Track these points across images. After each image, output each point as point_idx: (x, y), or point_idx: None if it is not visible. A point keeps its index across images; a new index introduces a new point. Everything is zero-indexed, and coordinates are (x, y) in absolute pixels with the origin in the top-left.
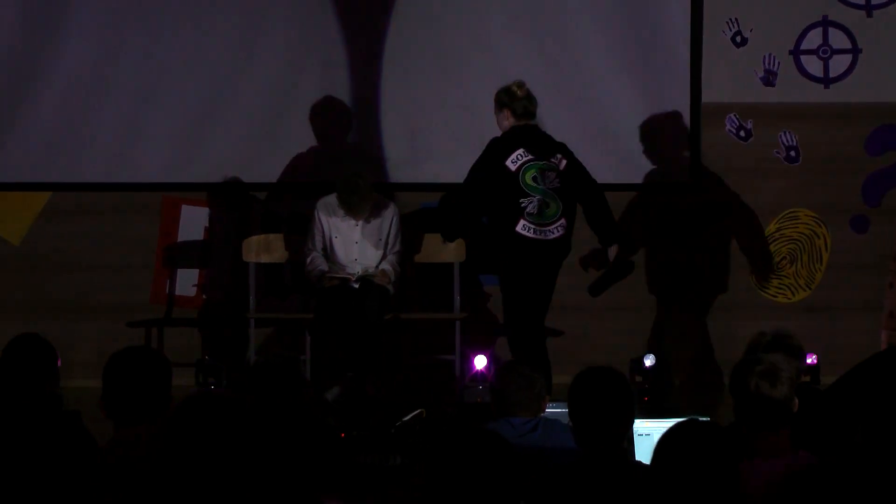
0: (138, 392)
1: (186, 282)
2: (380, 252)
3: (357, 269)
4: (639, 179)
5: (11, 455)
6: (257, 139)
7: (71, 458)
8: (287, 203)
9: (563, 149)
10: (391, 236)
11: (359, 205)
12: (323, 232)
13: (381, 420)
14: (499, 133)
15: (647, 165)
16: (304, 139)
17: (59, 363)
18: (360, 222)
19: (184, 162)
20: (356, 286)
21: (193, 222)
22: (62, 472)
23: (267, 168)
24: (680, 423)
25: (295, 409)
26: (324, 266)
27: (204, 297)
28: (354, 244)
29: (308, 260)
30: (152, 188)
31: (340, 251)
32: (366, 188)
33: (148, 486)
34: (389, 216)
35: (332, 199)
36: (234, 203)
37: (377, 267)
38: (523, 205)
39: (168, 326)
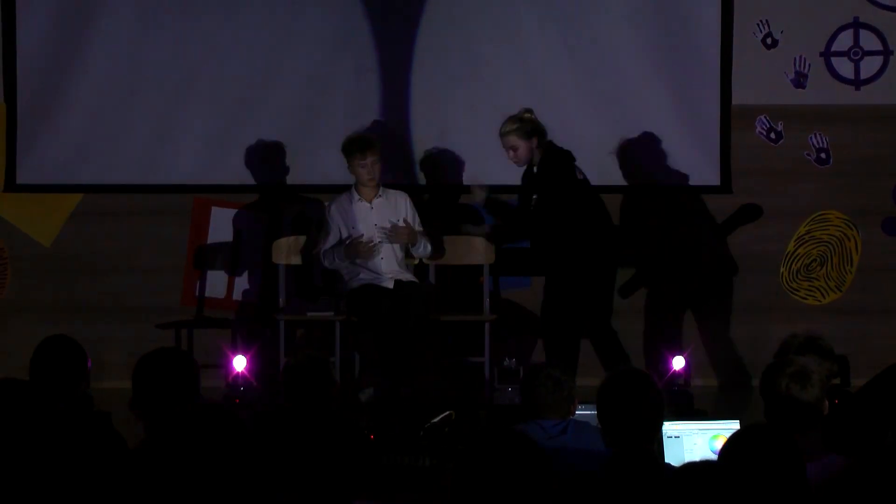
0: (167, 393)
1: (217, 284)
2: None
3: (382, 255)
4: (668, 182)
5: (43, 456)
6: (288, 141)
7: (101, 459)
8: (317, 205)
9: None
10: (409, 219)
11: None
12: (339, 229)
13: (411, 421)
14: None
15: (676, 167)
16: (334, 141)
17: (90, 365)
18: (374, 204)
19: (214, 164)
20: (391, 287)
21: (224, 224)
22: (92, 473)
23: (297, 170)
24: (747, 428)
25: (325, 410)
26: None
27: (234, 299)
28: (374, 227)
29: (321, 254)
30: (183, 190)
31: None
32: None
33: (177, 487)
34: (403, 200)
35: (342, 195)
36: (264, 205)
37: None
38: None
39: (198, 328)
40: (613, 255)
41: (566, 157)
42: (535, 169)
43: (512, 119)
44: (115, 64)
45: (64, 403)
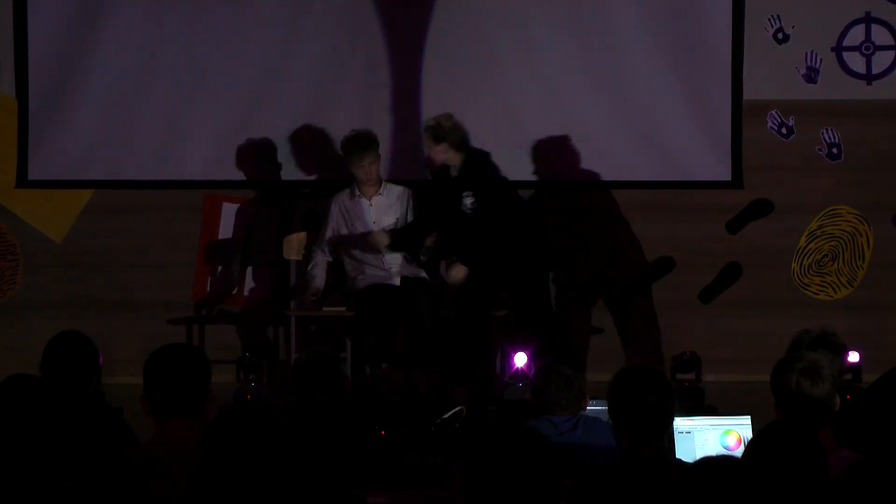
0: (178, 388)
1: (228, 279)
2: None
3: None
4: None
5: (55, 451)
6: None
7: (112, 453)
8: (327, 201)
9: None
10: (406, 216)
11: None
12: (336, 223)
13: (421, 417)
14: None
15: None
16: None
17: (101, 360)
18: (373, 201)
19: (225, 160)
20: (398, 284)
21: (234, 220)
22: (104, 467)
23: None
24: (771, 424)
25: (336, 406)
26: (321, 281)
27: (245, 294)
28: (372, 224)
29: (310, 267)
30: (194, 186)
31: (359, 236)
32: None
33: (188, 482)
34: (403, 197)
35: (345, 191)
36: (274, 201)
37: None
38: None
39: (209, 324)
40: (540, 259)
41: (487, 158)
42: (451, 172)
43: (426, 122)
44: (126, 60)
45: (75, 399)
